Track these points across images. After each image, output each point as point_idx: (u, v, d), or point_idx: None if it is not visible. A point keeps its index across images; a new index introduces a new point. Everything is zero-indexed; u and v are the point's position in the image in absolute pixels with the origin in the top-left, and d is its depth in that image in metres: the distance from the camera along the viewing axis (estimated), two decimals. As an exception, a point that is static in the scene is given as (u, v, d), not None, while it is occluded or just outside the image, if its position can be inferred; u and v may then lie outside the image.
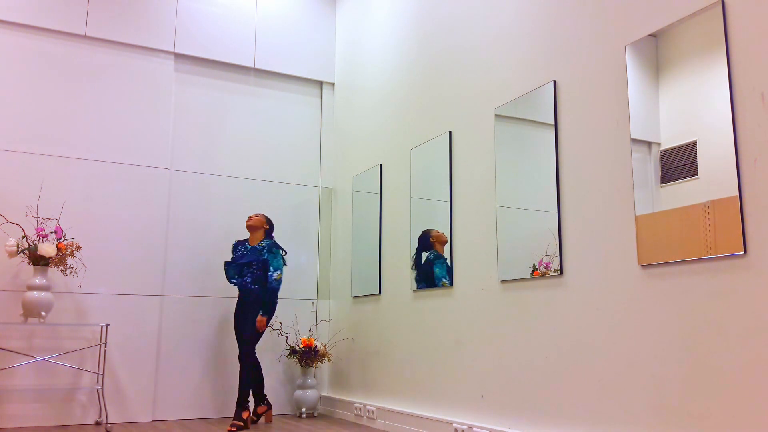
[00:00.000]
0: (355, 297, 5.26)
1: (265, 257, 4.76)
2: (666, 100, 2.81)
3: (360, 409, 4.85)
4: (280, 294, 5.71)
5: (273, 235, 5.03)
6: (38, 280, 4.40)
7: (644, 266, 2.80)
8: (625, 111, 2.96)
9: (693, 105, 2.69)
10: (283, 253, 4.92)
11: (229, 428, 4.43)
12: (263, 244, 4.82)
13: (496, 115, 3.80)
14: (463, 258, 3.96)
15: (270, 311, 4.80)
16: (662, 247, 2.72)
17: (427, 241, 4.32)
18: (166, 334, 5.04)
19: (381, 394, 4.71)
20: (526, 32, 3.67)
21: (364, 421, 4.77)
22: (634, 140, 2.91)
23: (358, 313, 5.20)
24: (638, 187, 2.86)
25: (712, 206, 2.54)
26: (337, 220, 5.75)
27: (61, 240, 4.50)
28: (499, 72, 3.83)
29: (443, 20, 4.46)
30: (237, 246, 4.93)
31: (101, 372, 4.60)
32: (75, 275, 4.63)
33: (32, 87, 4.86)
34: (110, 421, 4.63)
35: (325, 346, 5.28)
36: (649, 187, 2.83)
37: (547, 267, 3.32)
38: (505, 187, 3.69)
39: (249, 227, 4.90)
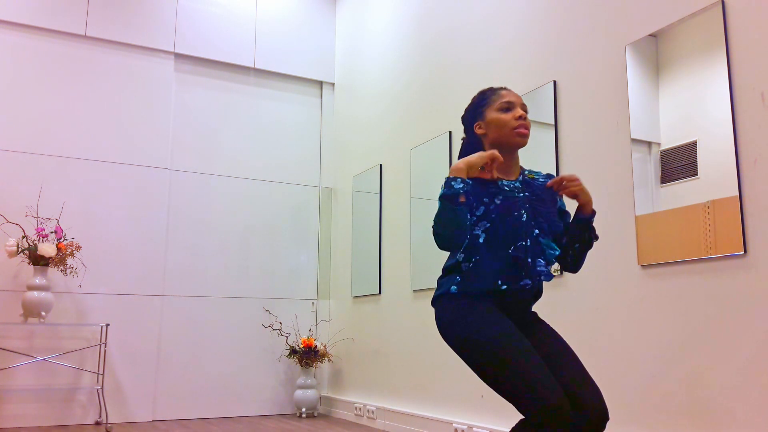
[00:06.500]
0: (355, 297, 5.26)
1: (560, 204, 2.03)
2: (666, 100, 2.81)
3: (360, 409, 4.84)
4: (279, 294, 5.75)
5: None
6: (38, 280, 4.40)
7: (644, 266, 2.80)
8: (625, 111, 2.96)
9: (693, 105, 2.69)
10: None
11: None
12: (537, 176, 2.02)
13: (496, 115, 3.79)
14: (463, 258, 3.96)
15: None
16: (662, 247, 2.72)
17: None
18: (166, 334, 5.04)
19: (381, 394, 4.71)
20: (527, 32, 3.66)
21: (364, 421, 4.76)
22: (634, 140, 2.90)
23: (358, 313, 5.20)
24: (638, 187, 2.86)
25: (712, 206, 2.54)
26: (337, 220, 5.75)
27: (61, 240, 4.50)
28: (499, 72, 3.82)
29: (443, 20, 4.46)
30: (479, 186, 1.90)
31: (101, 372, 4.60)
32: (75, 275, 4.62)
33: (32, 87, 4.85)
34: (110, 421, 4.63)
35: (325, 346, 5.28)
36: (649, 187, 2.82)
37: (547, 267, 3.32)
38: (505, 187, 3.69)
39: (524, 139, 1.96)
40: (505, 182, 1.92)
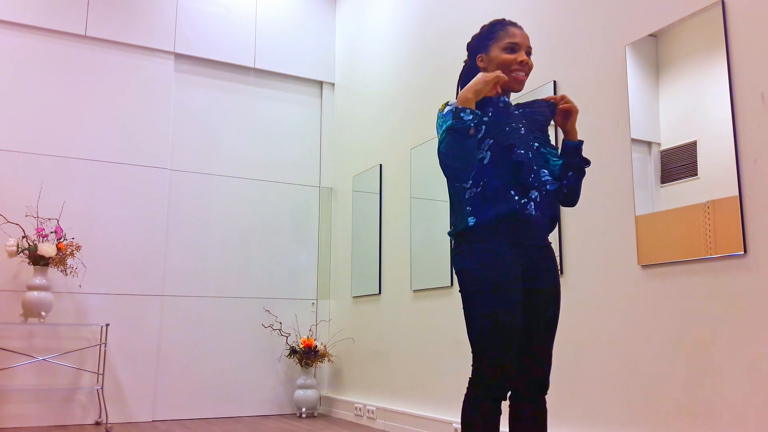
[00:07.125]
0: (355, 297, 5.26)
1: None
2: (666, 100, 2.81)
3: (360, 409, 4.85)
4: (279, 294, 5.75)
5: None
6: (38, 280, 4.40)
7: (644, 266, 2.80)
8: (625, 111, 2.96)
9: (693, 105, 2.69)
10: None
11: None
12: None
13: (496, 115, 3.80)
14: (463, 258, 3.96)
15: None
16: (662, 247, 2.72)
17: None
18: (166, 334, 5.04)
19: (381, 394, 4.71)
20: (526, 32, 3.66)
21: (364, 421, 4.76)
22: (634, 140, 2.90)
23: (358, 313, 5.20)
24: (638, 187, 2.86)
25: (712, 206, 2.54)
26: (337, 220, 5.75)
27: (61, 240, 4.50)
28: (499, 72, 3.82)
29: (443, 19, 4.46)
30: (496, 104, 1.95)
31: (101, 372, 4.60)
32: (75, 275, 4.63)
33: (32, 87, 4.85)
34: (110, 421, 4.63)
35: (325, 346, 5.28)
36: (649, 187, 2.82)
37: (547, 267, 3.32)
38: (505, 187, 3.69)
39: (520, 85, 2.01)
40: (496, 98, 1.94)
